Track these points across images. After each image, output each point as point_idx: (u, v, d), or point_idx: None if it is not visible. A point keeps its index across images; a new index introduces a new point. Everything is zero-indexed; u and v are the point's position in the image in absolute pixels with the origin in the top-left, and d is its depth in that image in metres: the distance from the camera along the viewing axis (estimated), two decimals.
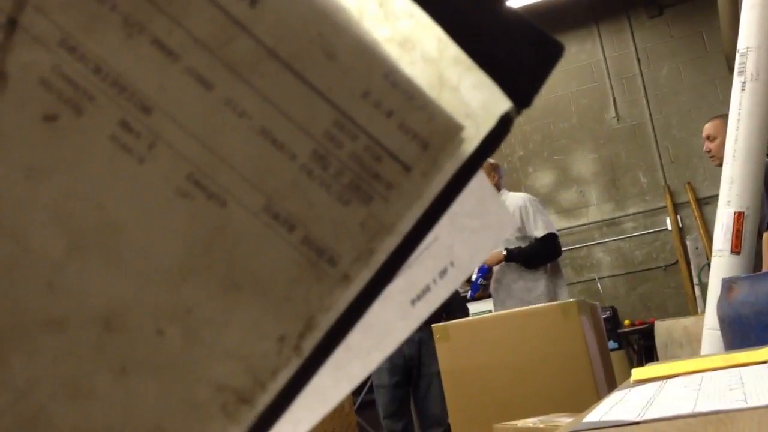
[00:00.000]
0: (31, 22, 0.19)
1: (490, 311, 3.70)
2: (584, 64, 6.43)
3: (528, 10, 5.84)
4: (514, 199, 3.61)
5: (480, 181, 0.25)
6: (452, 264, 0.26)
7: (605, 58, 6.47)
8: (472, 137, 0.22)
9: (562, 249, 3.74)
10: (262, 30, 0.20)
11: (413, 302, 0.25)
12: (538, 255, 3.48)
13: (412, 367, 3.26)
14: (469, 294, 3.64)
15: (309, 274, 0.21)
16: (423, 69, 0.22)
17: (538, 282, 3.50)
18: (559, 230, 6.36)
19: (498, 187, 3.55)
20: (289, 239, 0.21)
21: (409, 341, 2.99)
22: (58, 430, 0.20)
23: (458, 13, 0.22)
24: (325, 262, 0.21)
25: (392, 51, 0.21)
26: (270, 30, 0.20)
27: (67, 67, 0.20)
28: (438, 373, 2.51)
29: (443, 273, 0.26)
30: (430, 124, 0.21)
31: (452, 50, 0.22)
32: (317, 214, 0.21)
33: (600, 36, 6.49)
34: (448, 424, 2.60)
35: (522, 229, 3.50)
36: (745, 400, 0.60)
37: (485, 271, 3.54)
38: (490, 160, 3.42)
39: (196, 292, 0.20)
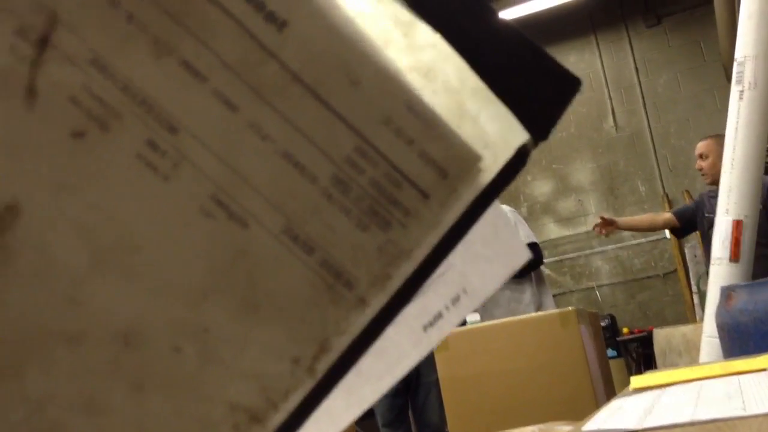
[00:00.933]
0: (63, 40, 0.20)
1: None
2: (582, 73, 6.44)
3: (527, 19, 5.85)
4: None
5: (495, 210, 0.25)
6: (465, 291, 0.26)
7: (603, 67, 6.48)
8: (490, 167, 0.22)
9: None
10: (288, 55, 0.21)
11: (425, 328, 0.25)
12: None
13: (411, 376, 3.25)
14: None
15: (326, 297, 0.21)
16: (444, 99, 0.22)
17: (525, 292, 3.52)
18: (557, 239, 6.40)
19: None
20: (308, 262, 0.21)
21: None
22: None
23: (480, 45, 0.23)
24: (342, 286, 0.21)
25: (415, 80, 0.21)
26: (296, 55, 0.21)
27: (97, 85, 0.20)
28: (436, 382, 2.51)
29: (456, 300, 0.26)
30: (449, 153, 0.21)
31: (473, 81, 0.23)
32: (336, 238, 0.21)
33: (598, 45, 6.50)
34: None
35: None
36: (744, 408, 0.60)
37: None
38: None
39: (215, 311, 0.20)
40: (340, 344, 0.21)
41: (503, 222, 0.26)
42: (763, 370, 0.88)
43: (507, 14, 5.70)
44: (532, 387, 2.24)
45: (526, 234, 3.54)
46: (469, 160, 0.21)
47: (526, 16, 5.89)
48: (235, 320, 0.21)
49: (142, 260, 0.20)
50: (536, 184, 6.52)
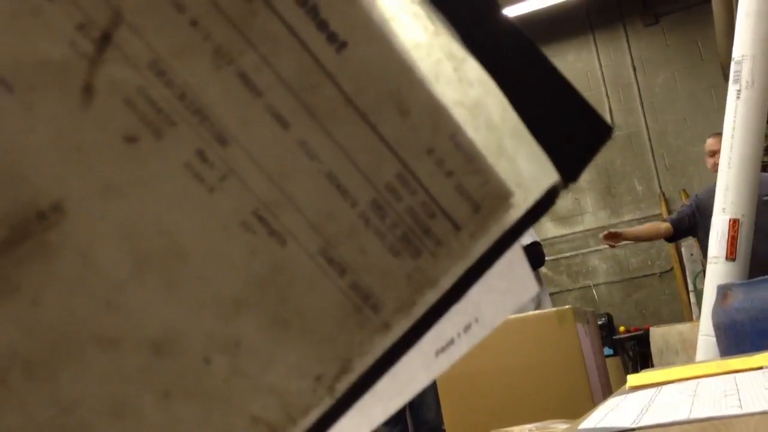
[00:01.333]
0: (125, 40, 0.19)
1: None
2: (580, 72, 6.45)
3: (525, 17, 5.85)
4: None
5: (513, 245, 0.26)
6: (476, 320, 0.26)
7: (601, 66, 6.49)
8: (520, 205, 0.22)
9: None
10: (344, 77, 0.21)
11: (437, 353, 0.26)
12: None
13: None
14: None
15: (352, 319, 0.21)
16: (485, 135, 0.22)
17: None
18: (554, 237, 6.41)
19: None
20: (339, 283, 0.21)
21: None
22: None
23: (526, 87, 0.24)
24: (369, 309, 0.21)
25: (460, 114, 0.22)
26: (352, 78, 0.21)
27: (154, 90, 0.20)
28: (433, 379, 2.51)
29: (467, 328, 0.26)
30: (484, 188, 0.22)
31: (514, 121, 0.23)
32: (368, 262, 0.21)
33: (596, 44, 6.50)
34: (444, 431, 2.59)
35: None
36: (741, 407, 0.60)
37: None
38: None
39: (247, 325, 0.21)
40: (361, 365, 0.21)
41: (518, 257, 0.27)
42: (760, 368, 0.88)
43: (505, 13, 5.70)
44: (528, 385, 2.24)
45: (530, 233, 3.55)
46: (502, 196, 0.22)
47: (524, 14, 5.89)
48: (265, 335, 0.21)
49: (181, 270, 0.20)
50: None
